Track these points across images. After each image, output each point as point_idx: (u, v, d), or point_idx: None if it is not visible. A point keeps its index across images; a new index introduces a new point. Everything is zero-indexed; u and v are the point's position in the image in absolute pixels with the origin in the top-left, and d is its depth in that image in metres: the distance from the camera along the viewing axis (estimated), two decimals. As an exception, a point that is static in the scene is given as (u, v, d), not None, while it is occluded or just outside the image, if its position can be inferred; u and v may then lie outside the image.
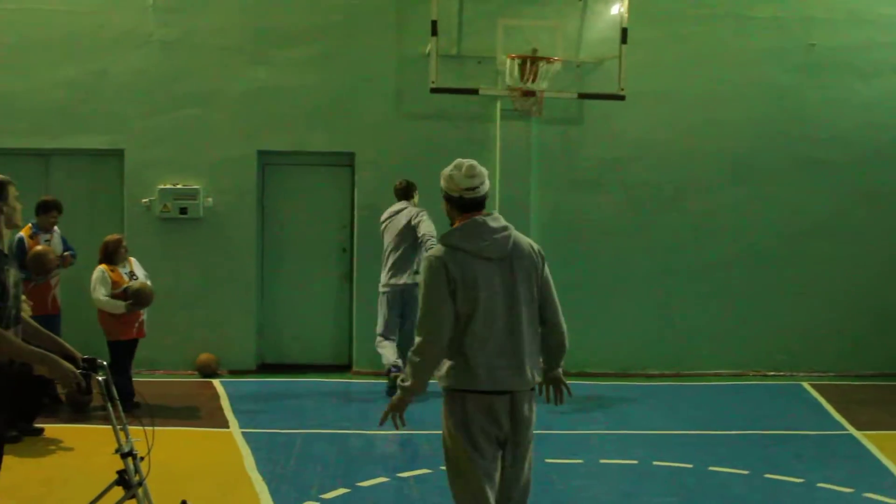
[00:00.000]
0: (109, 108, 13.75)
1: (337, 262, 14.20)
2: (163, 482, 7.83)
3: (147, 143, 13.74)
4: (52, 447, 9.67)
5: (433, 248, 5.67)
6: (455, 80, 13.24)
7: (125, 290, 11.08)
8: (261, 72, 13.79)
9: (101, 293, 11.05)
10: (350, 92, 13.84)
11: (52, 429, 10.24)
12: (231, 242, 13.86)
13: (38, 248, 10.98)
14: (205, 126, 13.77)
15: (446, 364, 5.53)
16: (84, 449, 9.55)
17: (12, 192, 6.15)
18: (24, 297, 7.81)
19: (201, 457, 9.42)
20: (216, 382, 13.05)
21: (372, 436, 10.16)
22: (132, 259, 11.54)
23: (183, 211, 13.70)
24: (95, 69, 13.74)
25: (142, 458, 6.31)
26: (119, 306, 11.03)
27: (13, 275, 6.15)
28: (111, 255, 11.23)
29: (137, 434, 6.42)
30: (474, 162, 5.66)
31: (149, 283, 11.33)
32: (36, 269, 10.94)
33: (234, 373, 13.69)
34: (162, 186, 13.70)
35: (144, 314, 11.45)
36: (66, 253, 11.50)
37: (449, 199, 5.68)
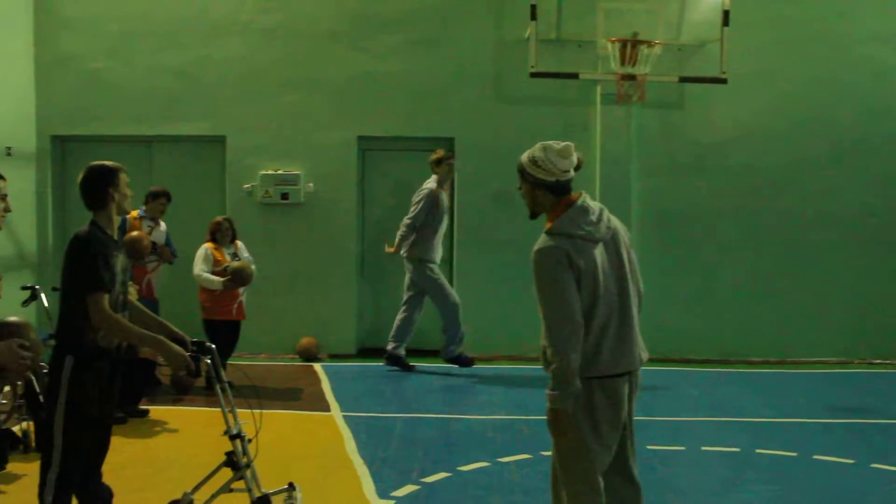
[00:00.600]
0: (211, 94, 13.96)
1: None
2: (267, 464, 7.95)
3: (248, 130, 13.90)
4: (157, 429, 9.84)
5: (545, 240, 5.26)
6: (554, 64, 13.18)
7: (225, 268, 11.34)
8: (360, 58, 13.86)
9: (200, 268, 11.38)
10: (449, 77, 13.87)
11: (156, 411, 10.42)
12: (331, 227, 13.98)
13: (134, 233, 11.14)
14: (305, 112, 13.90)
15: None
16: (188, 431, 9.71)
17: (123, 178, 6.26)
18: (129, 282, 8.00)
19: (304, 440, 9.52)
20: (317, 366, 13.18)
21: (472, 420, 10.18)
22: (238, 242, 11.78)
23: (284, 196, 13.85)
24: (197, 56, 13.96)
25: (249, 440, 6.38)
26: (216, 282, 11.29)
27: (121, 261, 6.28)
28: (215, 234, 11.55)
29: (244, 416, 6.49)
30: (568, 143, 5.39)
31: (252, 266, 11.49)
32: (127, 252, 11.12)
33: (335, 357, 13.81)
34: (263, 172, 13.86)
35: (243, 296, 11.62)
36: (164, 246, 11.60)
37: (541, 184, 5.31)
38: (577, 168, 5.41)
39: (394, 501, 7.57)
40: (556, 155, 5.29)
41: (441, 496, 7.75)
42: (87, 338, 6.11)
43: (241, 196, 13.92)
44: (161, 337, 6.21)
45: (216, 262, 11.40)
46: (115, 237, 6.32)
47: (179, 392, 11.27)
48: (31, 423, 8.86)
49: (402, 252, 12.72)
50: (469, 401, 11.03)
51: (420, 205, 12.60)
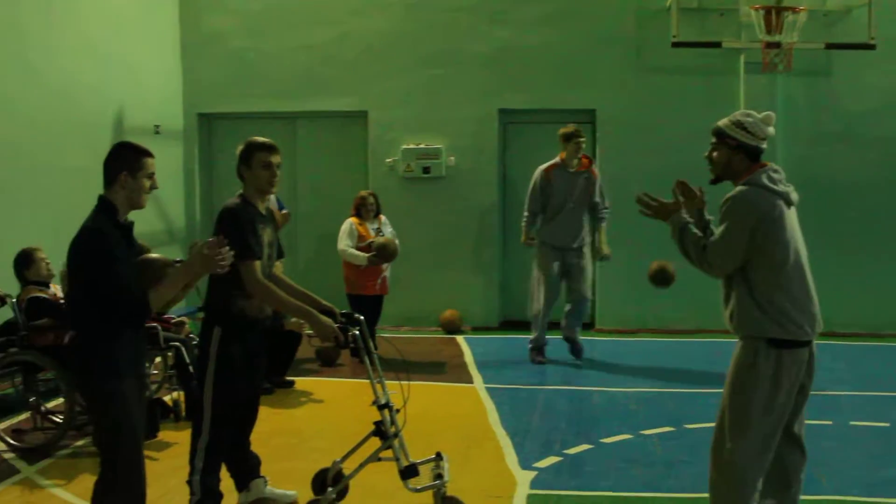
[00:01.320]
0: (353, 70, 14.12)
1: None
2: (412, 435, 8.03)
3: (390, 104, 14.02)
4: (304, 399, 10.03)
5: (743, 189, 5.45)
6: (696, 33, 12.99)
7: (369, 244, 11.41)
8: (500, 31, 13.86)
9: (345, 244, 11.49)
10: (589, 48, 13.76)
11: (302, 382, 10.62)
12: (473, 201, 14.02)
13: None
14: (446, 86, 13.95)
15: (754, 313, 5.37)
16: (334, 401, 9.87)
17: (259, 157, 6.39)
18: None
19: (447, 411, 9.60)
20: (460, 339, 13.27)
21: (615, 393, 10.13)
22: (382, 217, 11.85)
23: (426, 170, 13.94)
24: (339, 32, 14.13)
25: (397, 411, 6.46)
26: (361, 258, 11.37)
27: (268, 234, 6.42)
28: (360, 209, 11.64)
29: (390, 387, 6.57)
30: (769, 112, 5.65)
31: (396, 241, 11.59)
32: None
33: (478, 329, 13.88)
34: (405, 146, 13.97)
35: (387, 271, 11.72)
36: (284, 212, 11.74)
37: (743, 147, 5.51)
38: None
39: (536, 472, 7.59)
40: (760, 121, 5.54)
41: (583, 467, 7.75)
42: (235, 308, 6.28)
43: (384, 170, 14.06)
44: (310, 308, 6.34)
45: (360, 238, 11.48)
46: (263, 212, 6.47)
47: (325, 364, 11.47)
48: (182, 393, 9.12)
49: (528, 239, 11.82)
50: (611, 374, 10.96)
51: (529, 189, 11.82)
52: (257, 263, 6.19)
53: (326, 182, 14.33)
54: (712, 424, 7.71)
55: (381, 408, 6.31)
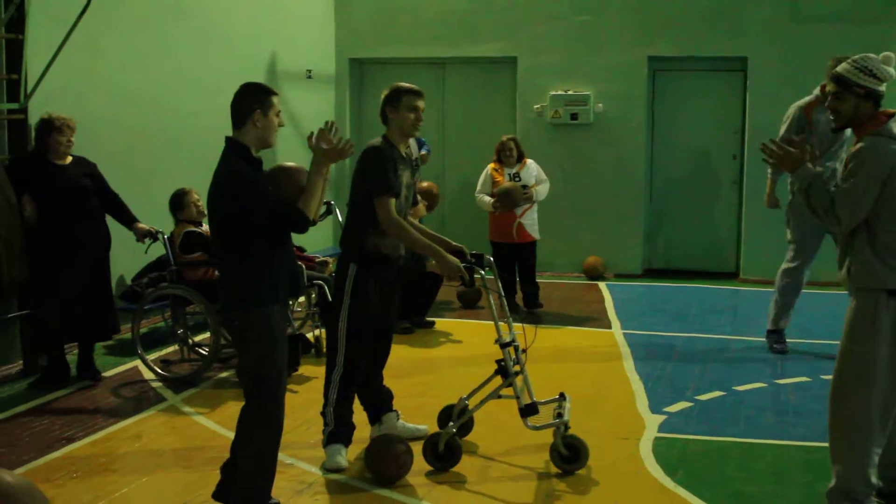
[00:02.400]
0: (502, 16, 14.16)
1: (727, 168, 13.99)
2: (546, 376, 8.22)
3: (539, 50, 14.03)
4: (442, 339, 10.22)
5: (875, 140, 5.28)
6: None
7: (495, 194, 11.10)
8: (650, -24, 13.71)
9: (478, 190, 11.35)
10: (741, -7, 13.50)
11: (442, 323, 10.82)
12: (620, 148, 13.96)
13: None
14: (596, 32, 13.87)
15: (875, 264, 5.27)
16: (472, 342, 10.02)
17: (405, 101, 6.55)
18: (420, 199, 8.36)
19: (583, 354, 9.68)
20: (602, 285, 13.30)
21: (753, 342, 10.04)
22: (529, 161, 11.43)
23: (573, 117, 13.92)
24: (491, -21, 14.16)
25: (523, 351, 6.57)
26: (486, 204, 11.17)
27: (407, 177, 6.58)
28: (500, 154, 11.35)
29: (521, 328, 6.67)
30: (888, 53, 5.42)
31: (531, 187, 11.17)
32: None
33: (620, 276, 13.88)
34: (553, 93, 13.97)
35: (525, 218, 11.18)
36: (423, 152, 11.82)
37: (871, 94, 5.31)
38: None
39: (666, 416, 7.63)
40: (881, 63, 5.34)
41: (713, 412, 7.75)
42: (370, 245, 6.47)
43: (532, 117, 14.09)
44: (438, 247, 6.49)
45: (494, 184, 11.20)
46: (404, 154, 6.63)
47: (466, 306, 11.64)
48: (323, 331, 9.38)
49: (772, 199, 10.00)
50: (753, 323, 10.85)
51: (781, 131, 9.63)
52: (393, 201, 6.37)
53: (474, 128, 14.45)
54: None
55: (503, 346, 6.42)
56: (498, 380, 6.56)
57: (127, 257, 9.49)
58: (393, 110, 6.58)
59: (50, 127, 8.25)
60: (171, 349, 9.27)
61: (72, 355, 8.81)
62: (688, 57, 13.78)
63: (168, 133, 10.82)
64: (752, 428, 7.39)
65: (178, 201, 9.15)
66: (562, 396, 6.76)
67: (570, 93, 13.91)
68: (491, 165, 11.45)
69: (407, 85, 6.68)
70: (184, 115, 11.10)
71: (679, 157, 14.05)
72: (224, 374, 8.82)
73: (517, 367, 6.48)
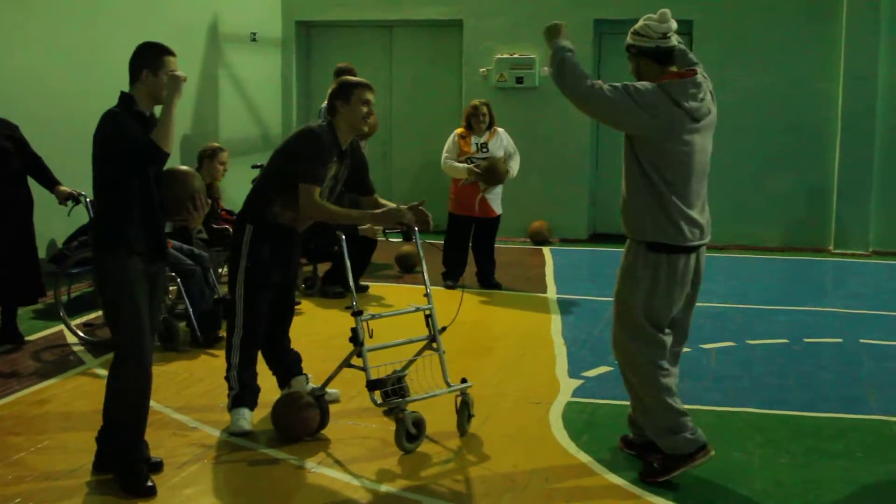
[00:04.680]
0: (449, -22, 14.06)
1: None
2: (472, 339, 8.20)
3: (484, 14, 13.96)
4: (374, 304, 10.14)
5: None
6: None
7: (468, 159, 10.66)
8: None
9: (443, 155, 10.83)
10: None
11: (377, 287, 10.79)
12: (566, 112, 13.62)
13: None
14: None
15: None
16: (402, 306, 9.96)
17: (357, 95, 6.47)
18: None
19: (512, 319, 9.67)
20: (545, 250, 13.28)
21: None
22: (499, 130, 10.92)
23: (519, 80, 13.89)
24: (434, -62, 14.08)
25: (443, 329, 6.58)
26: (460, 169, 10.65)
27: (334, 169, 6.53)
28: (470, 119, 10.78)
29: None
30: (664, 10, 5.70)
31: (506, 163, 10.80)
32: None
33: (566, 241, 13.87)
34: (499, 56, 13.90)
35: (488, 192, 10.81)
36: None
37: (644, 52, 5.72)
38: None
39: (583, 381, 7.63)
40: (654, 20, 5.61)
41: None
42: (269, 213, 6.45)
43: (477, 80, 14.03)
44: (364, 210, 6.61)
45: (460, 152, 10.73)
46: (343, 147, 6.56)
47: (404, 270, 11.60)
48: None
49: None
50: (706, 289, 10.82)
51: None
52: (318, 189, 6.32)
53: (421, 90, 14.39)
54: (774, 341, 7.67)
55: (354, 314, 6.31)
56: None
57: (60, 221, 9.41)
58: (344, 104, 6.46)
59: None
60: (95, 315, 9.20)
61: (-5, 319, 8.74)
62: (633, 20, 13.59)
63: (99, 96, 10.65)
64: (666, 392, 7.38)
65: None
66: (463, 381, 6.63)
67: (515, 56, 13.84)
68: (458, 131, 10.89)
69: (357, 78, 6.73)
70: (116, 77, 10.86)
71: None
72: (149, 338, 8.76)
73: (368, 340, 6.33)
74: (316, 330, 8.94)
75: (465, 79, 14.10)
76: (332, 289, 10.36)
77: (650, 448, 5.91)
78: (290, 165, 6.39)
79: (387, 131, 14.50)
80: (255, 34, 13.69)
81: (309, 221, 6.61)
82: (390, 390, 6.43)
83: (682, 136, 5.48)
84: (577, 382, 7.59)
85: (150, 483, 5.50)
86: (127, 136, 5.33)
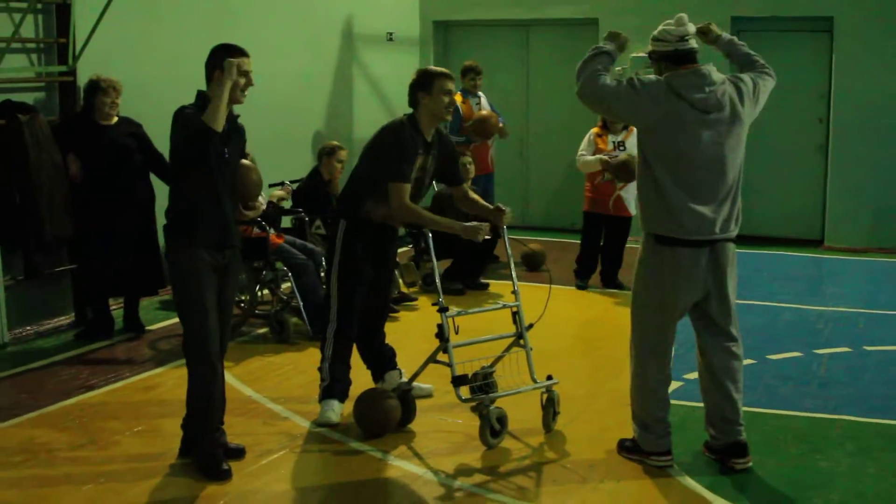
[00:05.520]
0: (585, -23, 14.00)
1: (812, 132, 13.60)
2: (575, 338, 8.19)
3: (619, 12, 13.81)
4: (491, 301, 10.14)
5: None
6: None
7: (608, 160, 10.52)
8: (736, -67, 13.35)
9: (579, 151, 10.78)
10: (828, -48, 13.05)
11: (498, 285, 10.80)
12: None
13: (483, 112, 11.56)
14: (678, -7, 13.59)
15: None
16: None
17: (439, 85, 6.56)
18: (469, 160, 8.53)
19: (625, 318, 9.51)
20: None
21: (808, 311, 9.83)
22: (635, 129, 10.75)
23: (655, 79, 13.68)
24: (573, -61, 14.04)
25: (530, 326, 6.68)
26: (591, 164, 10.61)
27: (420, 162, 6.64)
28: (604, 119, 10.77)
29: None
30: (681, 14, 6.05)
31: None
32: (478, 131, 11.52)
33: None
34: (634, 55, 13.71)
35: (626, 194, 10.62)
36: (501, 124, 11.82)
37: (663, 56, 5.97)
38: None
39: (682, 383, 7.54)
40: (671, 24, 5.86)
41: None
42: (363, 209, 6.58)
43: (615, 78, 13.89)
44: (452, 220, 6.70)
45: (597, 150, 10.66)
46: (429, 139, 6.68)
47: (529, 269, 11.54)
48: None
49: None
50: (816, 291, 10.60)
51: None
52: (407, 186, 6.44)
53: (558, 90, 14.33)
54: (892, 348, 7.47)
55: (440, 311, 6.40)
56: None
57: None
58: (426, 94, 6.56)
59: (96, 88, 8.52)
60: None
61: (121, 309, 9.10)
62: (772, 17, 13.42)
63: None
64: (767, 398, 7.32)
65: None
66: (549, 378, 6.64)
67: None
68: (594, 130, 10.85)
69: (438, 68, 6.79)
70: (253, 76, 11.23)
71: (765, 120, 13.51)
72: (262, 331, 8.99)
73: (454, 336, 6.42)
74: (429, 325, 9.01)
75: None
76: (451, 285, 10.43)
77: (731, 451, 5.86)
78: (376, 164, 6.52)
79: (524, 130, 14.55)
80: (391, 34, 13.88)
81: (404, 220, 6.72)
82: (477, 386, 6.47)
83: (685, 128, 5.55)
84: (676, 385, 7.48)
85: (225, 467, 5.69)
86: (182, 119, 5.54)
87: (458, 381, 6.30)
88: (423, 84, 6.58)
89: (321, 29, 12.57)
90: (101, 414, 6.82)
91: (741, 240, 13.20)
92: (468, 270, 10.63)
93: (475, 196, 7.07)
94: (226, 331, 5.91)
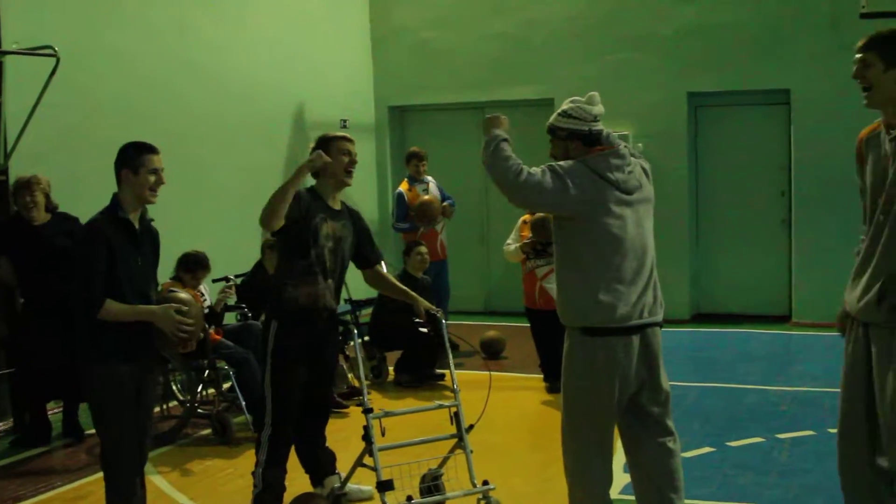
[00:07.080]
0: (539, 58, 13.95)
1: (774, 206, 13.44)
2: (532, 432, 7.90)
3: (576, 91, 13.19)
4: (448, 392, 9.84)
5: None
6: (890, 1, 11.99)
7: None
8: (688, 10, 13.28)
9: (506, 242, 10.37)
10: (781, 25, 12.97)
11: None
12: (663, 188, 13.08)
13: (426, 197, 11.40)
14: (633, 70, 13.52)
15: None
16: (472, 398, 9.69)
17: (338, 146, 6.41)
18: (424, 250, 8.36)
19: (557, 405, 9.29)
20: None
21: (771, 392, 9.57)
22: None
23: (614, 157, 13.54)
24: (524, 20, 14.04)
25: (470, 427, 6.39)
26: (513, 253, 10.17)
27: (330, 227, 6.39)
28: None
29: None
30: (593, 93, 5.65)
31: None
32: (420, 217, 11.34)
33: (669, 322, 13.33)
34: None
35: (549, 285, 9.74)
36: (445, 203, 11.69)
37: (574, 134, 5.54)
38: None
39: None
40: (584, 103, 5.50)
41: (691, 472, 7.27)
42: (287, 299, 6.28)
43: (573, 158, 13.76)
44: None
45: (521, 239, 10.17)
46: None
47: (489, 357, 11.22)
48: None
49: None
50: (781, 372, 10.32)
51: None
52: None
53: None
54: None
55: (364, 412, 6.10)
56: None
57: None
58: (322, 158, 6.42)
59: (17, 186, 8.27)
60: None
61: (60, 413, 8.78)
62: (729, 91, 13.32)
63: (181, 187, 10.77)
64: (724, 489, 7.01)
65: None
66: (485, 483, 6.30)
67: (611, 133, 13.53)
68: (523, 217, 10.31)
69: (334, 132, 6.75)
70: (199, 167, 11.04)
71: (725, 194, 13.55)
72: (205, 432, 8.66)
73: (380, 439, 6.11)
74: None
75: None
76: (401, 377, 10.15)
77: None
78: (280, 236, 6.29)
79: (484, 214, 14.41)
80: (345, 121, 13.71)
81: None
82: (425, 488, 6.23)
83: (611, 209, 5.26)
84: (627, 478, 7.17)
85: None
86: (85, 263, 5.29)
87: (382, 486, 5.95)
88: (323, 148, 6.47)
89: (272, 118, 12.42)
90: (23, 530, 6.49)
91: (707, 318, 13.20)
92: (417, 362, 10.32)
93: (393, 280, 6.87)
94: (144, 439, 5.60)
